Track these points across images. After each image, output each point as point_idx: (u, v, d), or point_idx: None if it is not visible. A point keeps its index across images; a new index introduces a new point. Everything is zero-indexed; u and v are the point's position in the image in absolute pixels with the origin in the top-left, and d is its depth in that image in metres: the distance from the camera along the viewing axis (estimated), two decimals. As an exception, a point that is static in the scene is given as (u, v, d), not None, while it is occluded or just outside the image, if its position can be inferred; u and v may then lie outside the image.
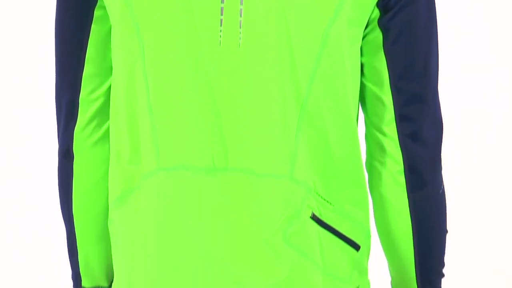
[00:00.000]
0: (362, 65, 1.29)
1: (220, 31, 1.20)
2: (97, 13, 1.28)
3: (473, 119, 3.36)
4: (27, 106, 3.43)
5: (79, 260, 1.43)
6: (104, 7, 1.27)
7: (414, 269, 1.37)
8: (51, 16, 1.35)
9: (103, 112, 1.32)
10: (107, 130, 1.33)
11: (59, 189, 1.39)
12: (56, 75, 1.33)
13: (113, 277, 1.43)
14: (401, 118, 1.29)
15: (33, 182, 3.34)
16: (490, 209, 3.25)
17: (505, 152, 3.32)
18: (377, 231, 1.38)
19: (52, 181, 3.13)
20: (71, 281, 1.51)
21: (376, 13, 1.26)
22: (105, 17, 1.28)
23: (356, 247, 1.31)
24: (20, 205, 3.31)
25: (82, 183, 1.36)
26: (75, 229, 1.40)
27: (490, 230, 3.21)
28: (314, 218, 1.26)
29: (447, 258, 1.43)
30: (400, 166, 1.31)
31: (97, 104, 1.32)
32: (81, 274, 1.44)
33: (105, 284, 1.46)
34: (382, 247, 1.40)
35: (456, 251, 2.88)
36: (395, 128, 1.30)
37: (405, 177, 1.31)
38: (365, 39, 1.28)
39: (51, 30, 1.35)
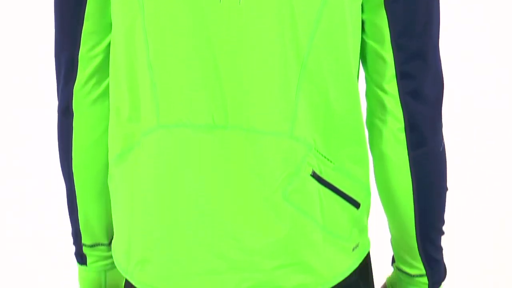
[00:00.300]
0: (362, 22, 1.29)
1: None
2: None
3: (472, 115, 3.36)
4: (27, 106, 3.44)
5: (79, 217, 1.43)
6: None
7: (414, 226, 1.37)
8: (51, 16, 1.35)
9: (103, 69, 1.32)
10: (107, 88, 1.33)
11: (58, 146, 1.39)
12: (55, 33, 1.33)
13: (113, 234, 1.43)
14: (401, 76, 1.29)
15: (33, 182, 3.34)
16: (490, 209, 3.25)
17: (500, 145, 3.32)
18: (377, 188, 1.38)
19: (52, 181, 3.13)
20: (71, 281, 1.50)
21: None
22: None
23: (356, 205, 1.31)
24: (20, 205, 3.30)
25: (82, 141, 1.36)
26: (75, 187, 1.40)
27: (490, 230, 3.20)
28: (314, 175, 1.25)
29: (446, 258, 1.44)
30: (401, 124, 1.30)
31: (97, 61, 1.31)
32: (81, 231, 1.44)
33: (105, 241, 1.46)
34: (382, 204, 1.40)
35: (454, 251, 2.88)
36: (396, 86, 1.29)
37: (405, 134, 1.31)
38: None
39: (51, 30, 1.35)
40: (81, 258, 1.48)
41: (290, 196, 1.24)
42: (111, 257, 1.47)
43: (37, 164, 3.35)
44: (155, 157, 1.25)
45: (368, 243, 1.38)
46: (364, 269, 1.37)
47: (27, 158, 3.38)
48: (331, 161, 1.27)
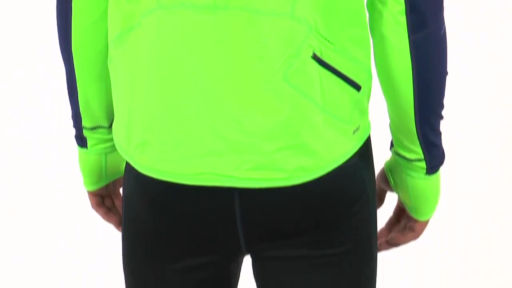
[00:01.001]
0: None
1: None
2: None
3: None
4: (26, 105, 3.44)
5: (78, 99, 1.43)
6: None
7: (413, 110, 1.36)
8: (52, 17, 1.37)
9: None
10: None
11: (57, 27, 1.39)
12: None
13: (113, 117, 1.42)
14: None
15: (33, 182, 3.33)
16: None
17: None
18: (377, 72, 1.37)
19: (52, 181, 3.13)
20: (71, 281, 1.49)
21: None
22: None
23: (357, 87, 1.31)
24: (20, 205, 3.29)
25: (81, 21, 1.35)
26: (75, 68, 1.40)
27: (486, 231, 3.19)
28: (315, 57, 1.25)
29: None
30: (401, 6, 1.29)
31: None
32: (81, 113, 1.44)
33: (105, 123, 1.47)
34: (382, 89, 1.39)
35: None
36: None
37: (406, 17, 1.29)
38: None
39: (51, 30, 1.36)
40: (81, 141, 1.49)
41: (290, 78, 1.24)
42: (111, 140, 1.47)
43: (37, 163, 3.35)
44: (155, 38, 1.25)
45: (368, 127, 1.39)
46: (365, 152, 1.37)
47: (27, 158, 3.38)
48: (331, 43, 1.27)
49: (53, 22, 1.39)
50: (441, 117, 1.40)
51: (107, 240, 2.78)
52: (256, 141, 1.24)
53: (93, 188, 1.54)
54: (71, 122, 1.49)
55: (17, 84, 3.47)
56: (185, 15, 1.22)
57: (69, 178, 2.94)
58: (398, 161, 1.45)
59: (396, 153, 1.45)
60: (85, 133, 1.47)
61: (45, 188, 3.29)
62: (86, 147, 1.49)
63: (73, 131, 1.50)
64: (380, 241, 1.54)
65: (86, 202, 1.60)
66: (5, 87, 3.45)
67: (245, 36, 1.22)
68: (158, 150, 1.28)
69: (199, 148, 1.25)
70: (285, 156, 1.26)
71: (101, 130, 1.47)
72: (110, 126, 1.47)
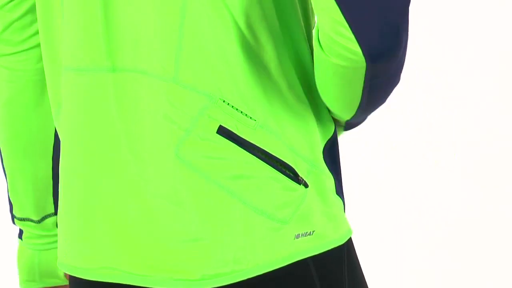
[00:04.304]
0: None
1: None
2: None
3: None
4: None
5: (7, 179, 1.31)
6: None
7: None
8: None
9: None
10: None
11: None
12: None
13: (44, 211, 1.32)
14: None
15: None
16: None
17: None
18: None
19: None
20: None
21: None
22: None
23: (295, 179, 1.08)
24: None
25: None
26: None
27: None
28: (223, 133, 1.05)
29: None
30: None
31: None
32: (11, 199, 1.32)
33: (34, 217, 1.31)
34: None
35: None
36: None
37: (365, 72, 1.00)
38: None
39: None
40: (19, 229, 1.35)
41: (185, 155, 1.07)
42: (44, 236, 1.33)
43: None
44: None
45: (341, 237, 1.12)
46: (331, 268, 1.12)
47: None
48: (251, 118, 1.07)
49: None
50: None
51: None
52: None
53: (26, 287, 1.36)
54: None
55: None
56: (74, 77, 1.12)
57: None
58: None
59: None
60: (16, 222, 1.33)
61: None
62: (21, 238, 1.34)
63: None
64: None
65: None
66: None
67: (135, 101, 1.08)
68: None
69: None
70: (192, 254, 1.05)
71: (29, 223, 1.32)
72: (40, 221, 1.32)
